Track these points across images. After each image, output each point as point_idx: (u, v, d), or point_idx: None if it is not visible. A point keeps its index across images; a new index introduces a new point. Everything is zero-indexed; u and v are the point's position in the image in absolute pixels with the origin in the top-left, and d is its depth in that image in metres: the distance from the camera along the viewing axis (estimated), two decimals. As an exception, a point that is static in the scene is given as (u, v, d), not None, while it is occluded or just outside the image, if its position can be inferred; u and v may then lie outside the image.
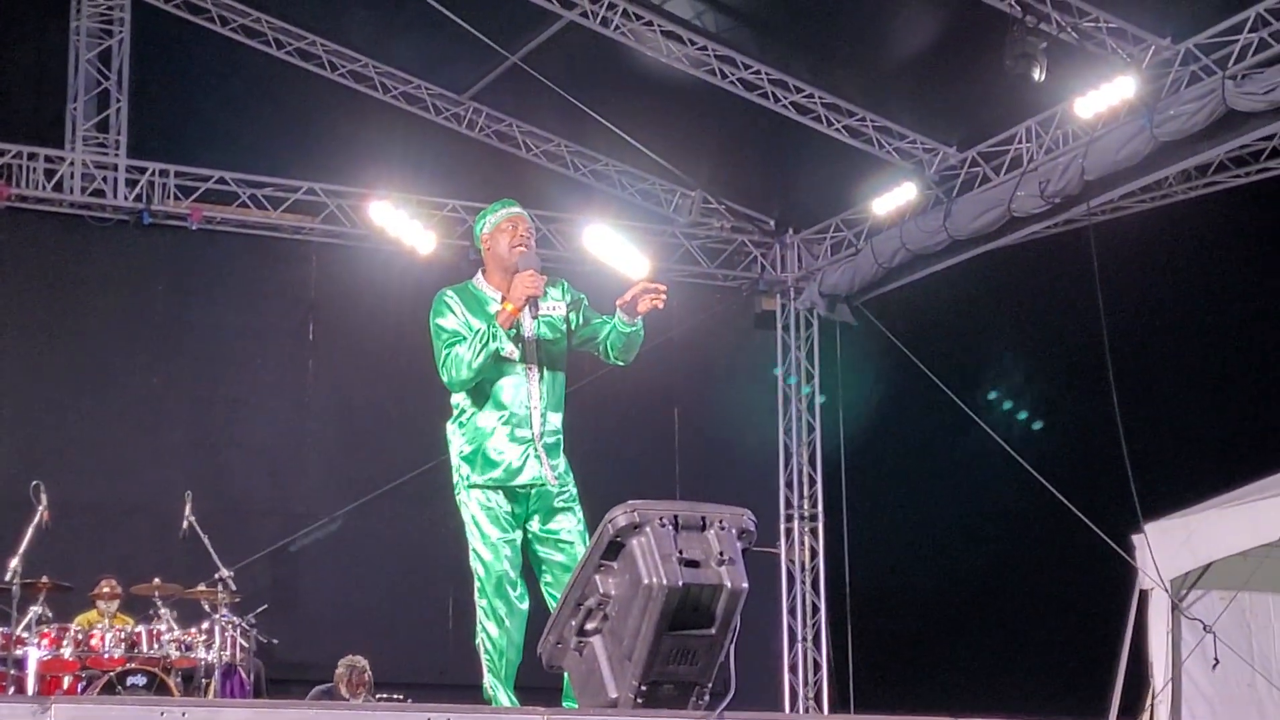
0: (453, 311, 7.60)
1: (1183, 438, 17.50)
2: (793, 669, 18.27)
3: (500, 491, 7.46)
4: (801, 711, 17.86)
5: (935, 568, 19.14)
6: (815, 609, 18.47)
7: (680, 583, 6.55)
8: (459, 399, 7.63)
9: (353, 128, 17.79)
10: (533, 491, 7.49)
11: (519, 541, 7.49)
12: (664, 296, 7.83)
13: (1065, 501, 16.05)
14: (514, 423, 7.50)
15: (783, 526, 18.63)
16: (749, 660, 6.91)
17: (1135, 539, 15.02)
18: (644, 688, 6.57)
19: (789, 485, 18.81)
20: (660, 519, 6.64)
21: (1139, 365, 16.71)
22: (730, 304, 19.09)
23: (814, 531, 18.67)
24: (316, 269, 17.66)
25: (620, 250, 17.87)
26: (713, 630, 6.68)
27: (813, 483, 18.79)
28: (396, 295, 17.37)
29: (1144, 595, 15.06)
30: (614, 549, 6.69)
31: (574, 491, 7.62)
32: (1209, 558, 14.68)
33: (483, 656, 7.39)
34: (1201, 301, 17.85)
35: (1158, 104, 14.83)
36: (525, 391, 7.55)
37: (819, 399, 19.07)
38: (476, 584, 7.42)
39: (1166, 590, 14.73)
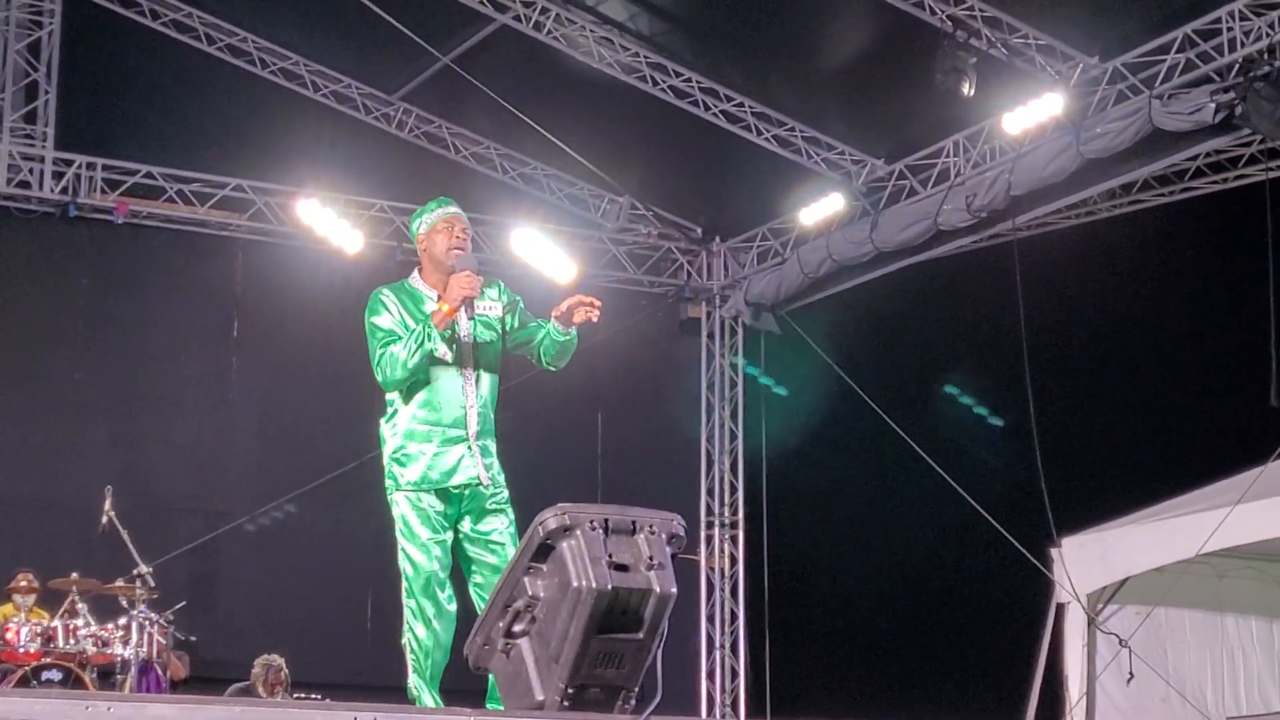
0: (388, 310, 7.58)
1: (1101, 453, 17.66)
2: (710, 676, 18.29)
3: (433, 492, 7.43)
4: (719, 718, 17.90)
5: (855, 578, 19.24)
6: (734, 616, 18.51)
7: (609, 586, 6.57)
8: (393, 397, 7.58)
9: (282, 125, 17.71)
10: (466, 492, 7.48)
11: (449, 542, 7.47)
12: (598, 311, 7.85)
13: (984, 513, 16.15)
14: (448, 423, 7.46)
15: (703, 534, 18.65)
16: (667, 666, 6.92)
17: (1053, 553, 15.14)
18: (571, 690, 6.59)
19: (710, 492, 18.84)
20: (591, 522, 6.66)
21: (1059, 381, 16.87)
22: (656, 310, 19.12)
23: (734, 539, 18.71)
24: (242, 266, 17.58)
25: (548, 254, 17.88)
26: (640, 635, 6.70)
27: (734, 490, 18.82)
28: (323, 294, 17.33)
29: (1060, 609, 15.18)
30: (544, 551, 6.70)
31: (506, 493, 7.61)
32: (1125, 572, 14.82)
33: (409, 657, 7.38)
34: (1122, 319, 18.02)
35: (1084, 121, 14.96)
36: (461, 391, 7.51)
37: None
38: (405, 584, 7.39)
39: (1082, 604, 14.86)
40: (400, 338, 7.45)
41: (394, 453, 7.49)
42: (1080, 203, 16.86)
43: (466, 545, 7.49)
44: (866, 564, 19.29)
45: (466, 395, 7.53)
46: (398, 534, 7.44)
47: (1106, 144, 14.78)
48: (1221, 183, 16.87)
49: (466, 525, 7.50)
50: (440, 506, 7.44)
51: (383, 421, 7.61)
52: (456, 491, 7.45)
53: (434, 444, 7.44)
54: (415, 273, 7.74)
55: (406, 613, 7.37)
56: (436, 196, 7.87)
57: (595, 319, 7.89)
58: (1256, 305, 14.41)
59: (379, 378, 7.49)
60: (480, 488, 7.47)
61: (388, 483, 7.50)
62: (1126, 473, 17.09)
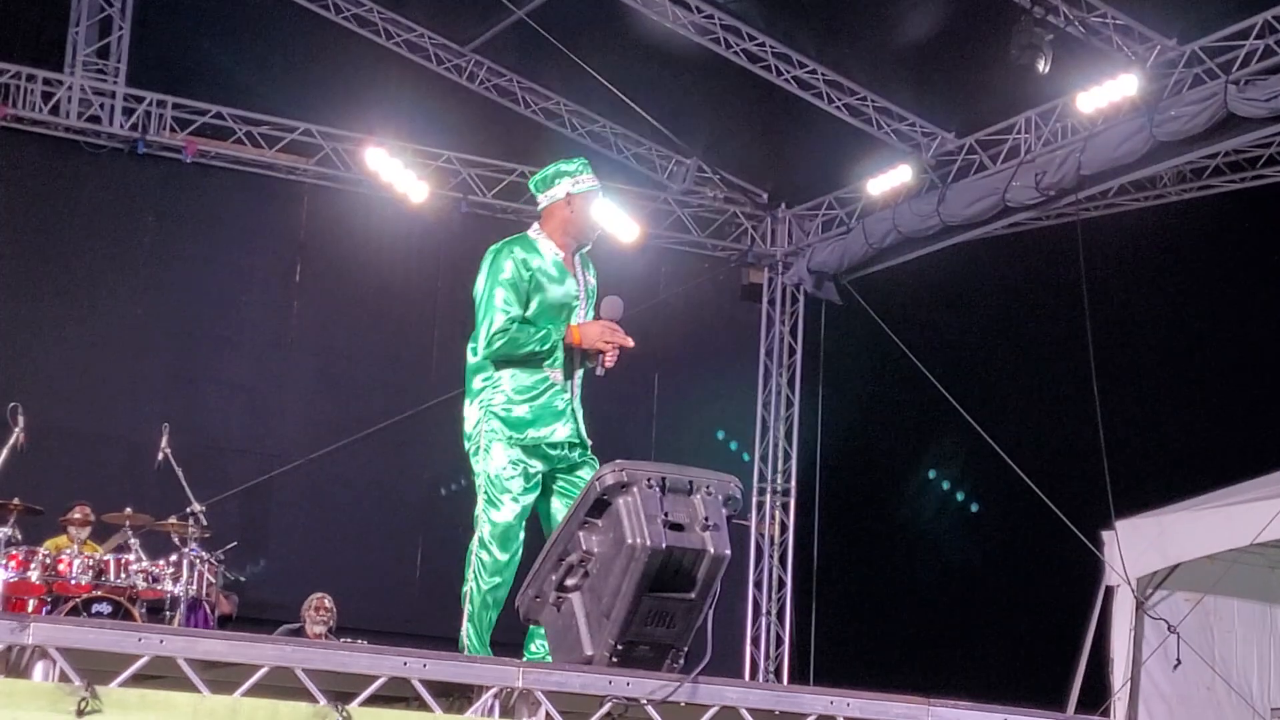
0: (514, 283, 7.46)
1: (1160, 437, 17.55)
2: (755, 642, 18.31)
3: (536, 449, 7.44)
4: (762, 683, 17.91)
5: (905, 551, 19.21)
6: (781, 583, 18.51)
7: (664, 545, 6.57)
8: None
9: (353, 72, 17.73)
10: (563, 451, 7.50)
11: (533, 500, 7.46)
12: (616, 356, 7.65)
13: (1039, 492, 16.09)
14: (555, 385, 7.51)
15: (755, 500, 18.64)
16: (715, 629, 6.92)
17: (1105, 535, 15.09)
18: (620, 647, 6.60)
19: (764, 459, 18.82)
20: (648, 480, 6.67)
21: (1121, 362, 16.76)
22: (717, 274, 19.08)
23: (785, 507, 18.70)
24: (307, 211, 17.61)
25: (613, 214, 17.85)
26: (692, 595, 6.71)
27: (788, 458, 18.80)
28: (386, 242, 17.40)
29: (1110, 591, 15.13)
30: (600, 507, 6.71)
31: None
32: (1178, 558, 14.75)
33: (466, 606, 7.37)
34: (1188, 304, 17.90)
35: (1159, 104, 14.85)
36: (567, 356, 7.53)
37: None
38: (481, 535, 7.42)
39: (1132, 588, 14.80)
40: (520, 319, 7.39)
41: (495, 406, 7.48)
42: (1148, 185, 16.74)
43: (554, 497, 7.48)
44: (917, 538, 19.25)
45: (572, 360, 7.57)
46: (487, 484, 7.45)
47: (1180, 127, 14.67)
48: (1294, 173, 16.73)
49: (556, 480, 7.51)
50: (538, 464, 7.45)
51: (479, 375, 7.61)
52: (555, 451, 7.47)
53: (540, 402, 7.47)
54: (536, 226, 7.63)
55: (476, 564, 7.40)
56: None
57: (608, 364, 7.67)
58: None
59: (483, 344, 7.48)
60: (576, 447, 7.53)
61: (482, 432, 7.49)
62: (1184, 458, 16.99)
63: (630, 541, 6.56)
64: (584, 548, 6.72)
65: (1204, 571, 14.85)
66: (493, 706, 6.16)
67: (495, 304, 7.44)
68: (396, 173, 17.34)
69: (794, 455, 18.78)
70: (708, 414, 18.70)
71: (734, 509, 6.91)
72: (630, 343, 7.58)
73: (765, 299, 19.21)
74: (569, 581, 6.75)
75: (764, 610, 18.35)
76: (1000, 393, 18.73)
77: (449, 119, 17.94)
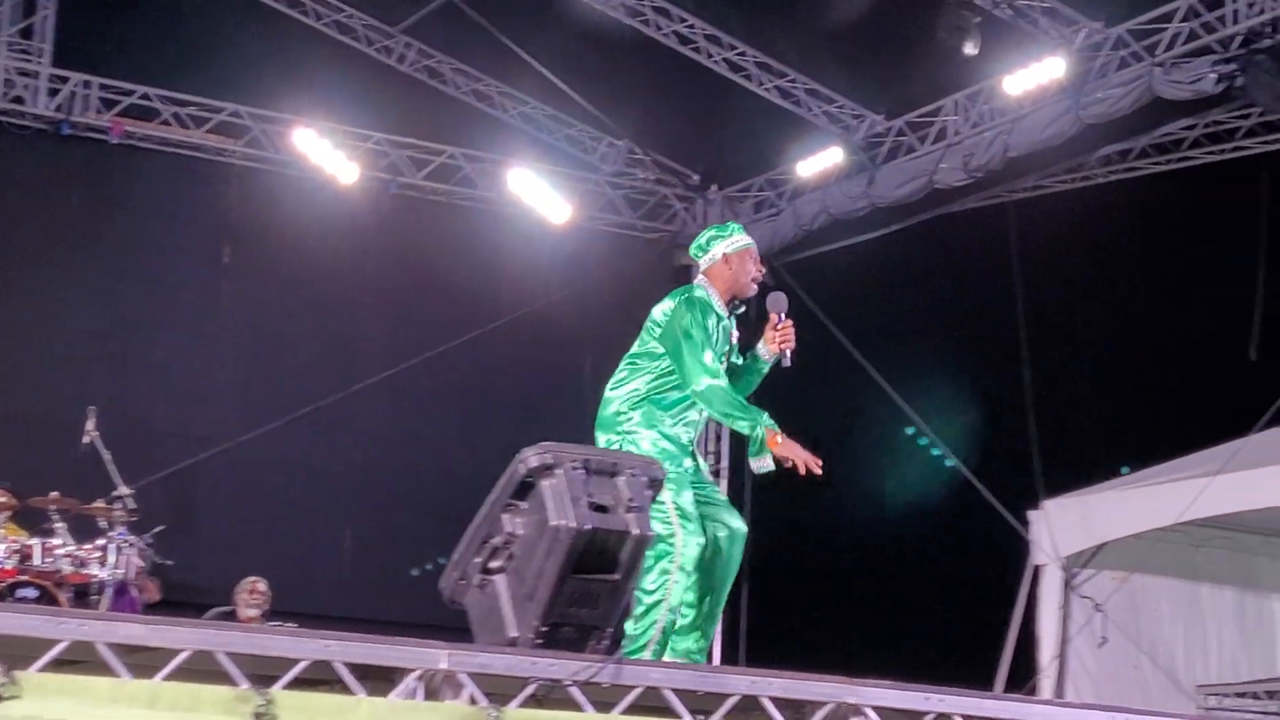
0: (706, 316, 7.92)
1: (1088, 417, 17.66)
2: (685, 623, 18.30)
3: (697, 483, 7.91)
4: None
5: (836, 532, 19.25)
6: (712, 565, 18.50)
7: (588, 526, 6.59)
8: (657, 384, 8.05)
9: (282, 53, 17.59)
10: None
11: None
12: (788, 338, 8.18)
13: (967, 473, 16.19)
14: (697, 426, 8.11)
15: (686, 481, 18.62)
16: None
17: (1033, 515, 15.20)
18: (544, 628, 6.61)
19: (694, 441, 18.81)
20: (572, 462, 6.69)
21: (1050, 344, 16.86)
22: (649, 256, 19.07)
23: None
24: (236, 192, 17.50)
25: (543, 195, 17.85)
26: (617, 576, 6.73)
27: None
28: (316, 224, 17.31)
29: (1038, 571, 15.25)
30: (524, 489, 6.73)
31: None
32: (1104, 537, 14.89)
33: (663, 615, 7.52)
34: (1116, 285, 18.01)
35: (1085, 86, 14.93)
36: None
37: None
38: (677, 550, 7.54)
39: (1060, 567, 14.92)
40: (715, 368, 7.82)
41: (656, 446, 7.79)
42: (1076, 167, 16.85)
43: None
44: (848, 519, 19.29)
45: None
46: (673, 510, 7.58)
47: (1106, 109, 14.76)
48: (1219, 153, 16.86)
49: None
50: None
51: (636, 407, 8.03)
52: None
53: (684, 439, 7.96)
54: (704, 279, 8.11)
55: (676, 573, 7.53)
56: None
57: (778, 345, 8.19)
58: (1246, 275, 14.42)
59: (692, 382, 7.86)
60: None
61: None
62: (1112, 438, 17.11)
63: (554, 523, 6.58)
64: (508, 530, 6.73)
65: (1130, 550, 14.99)
66: (416, 689, 6.16)
67: (694, 344, 7.89)
68: (326, 154, 17.28)
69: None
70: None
71: (658, 490, 6.94)
72: (792, 339, 8.13)
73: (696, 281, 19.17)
74: (493, 564, 6.76)
75: (694, 592, 18.35)
76: (931, 375, 18.80)
77: (379, 100, 17.87)
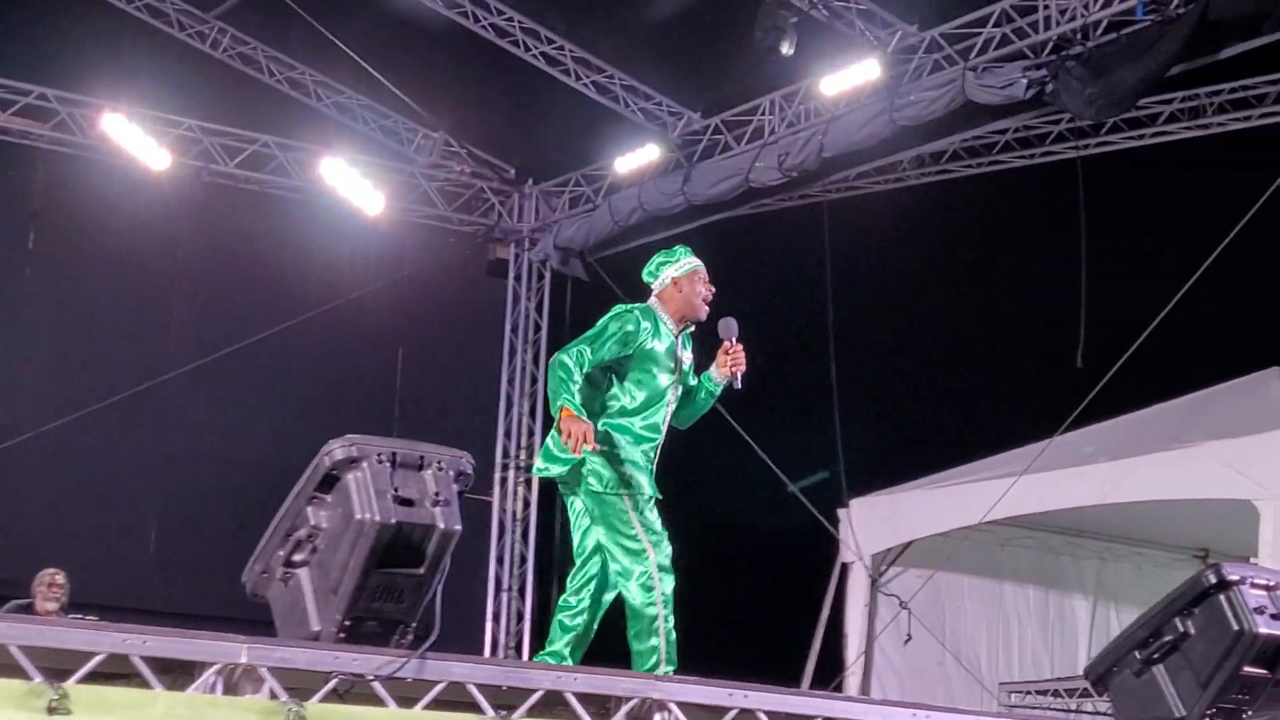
0: (622, 336, 8.11)
1: (895, 417, 17.86)
2: (495, 617, 18.29)
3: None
4: (502, 659, 17.90)
5: (644, 526, 19.27)
6: (523, 559, 18.52)
7: (393, 520, 6.54)
8: (610, 401, 8.17)
9: (91, 36, 17.26)
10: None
11: None
12: (738, 361, 8.40)
13: (777, 471, 16.29)
14: (653, 443, 8.27)
15: (498, 475, 18.62)
16: (452, 606, 6.92)
17: (841, 513, 15.35)
18: (348, 623, 6.56)
19: (507, 435, 18.80)
20: (378, 455, 6.63)
21: (860, 344, 17.02)
22: (464, 249, 18.99)
23: (529, 483, 18.69)
24: (42, 177, 17.16)
25: (356, 185, 17.70)
26: (421, 570, 6.68)
27: (531, 434, 18.80)
28: (126, 210, 17.03)
29: (845, 569, 15.42)
30: (329, 482, 6.66)
31: None
32: (910, 536, 15.09)
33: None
34: (924, 286, 18.23)
35: (900, 88, 15.08)
36: (664, 415, 8.26)
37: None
38: (658, 565, 8.05)
39: (865, 565, 15.08)
40: (604, 356, 8.03)
41: (607, 463, 8.03)
42: (890, 169, 17.04)
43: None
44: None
45: (666, 421, 8.30)
46: (618, 530, 8.05)
47: (919, 112, 14.90)
48: (1029, 158, 17.15)
49: None
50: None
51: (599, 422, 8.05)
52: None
53: (642, 461, 8.20)
54: (656, 302, 8.35)
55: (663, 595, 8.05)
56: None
57: (729, 369, 8.40)
58: (1056, 279, 14.64)
59: (558, 355, 8.00)
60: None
61: (617, 480, 8.03)
62: (918, 438, 17.31)
63: (359, 516, 6.52)
64: (312, 523, 6.66)
65: (936, 549, 15.20)
66: (215, 683, 6.08)
67: (593, 336, 8.10)
68: (136, 140, 16.98)
69: (538, 432, 18.79)
70: (451, 390, 18.63)
71: (465, 485, 6.91)
72: (743, 363, 8.38)
73: (511, 275, 19.17)
74: (296, 557, 6.69)
75: (505, 586, 18.34)
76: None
77: (191, 86, 17.59)
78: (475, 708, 6.40)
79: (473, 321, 19.12)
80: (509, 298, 19.14)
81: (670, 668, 7.82)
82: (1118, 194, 17.23)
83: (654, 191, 17.27)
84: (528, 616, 18.30)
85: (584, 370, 7.92)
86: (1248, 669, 8.30)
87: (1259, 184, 13.51)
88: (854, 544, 15.12)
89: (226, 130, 17.51)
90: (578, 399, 7.81)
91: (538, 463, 8.18)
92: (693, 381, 8.37)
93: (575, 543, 8.25)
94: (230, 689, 6.11)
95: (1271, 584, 8.49)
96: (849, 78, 15.30)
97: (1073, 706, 13.95)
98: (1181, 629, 8.34)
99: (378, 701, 6.29)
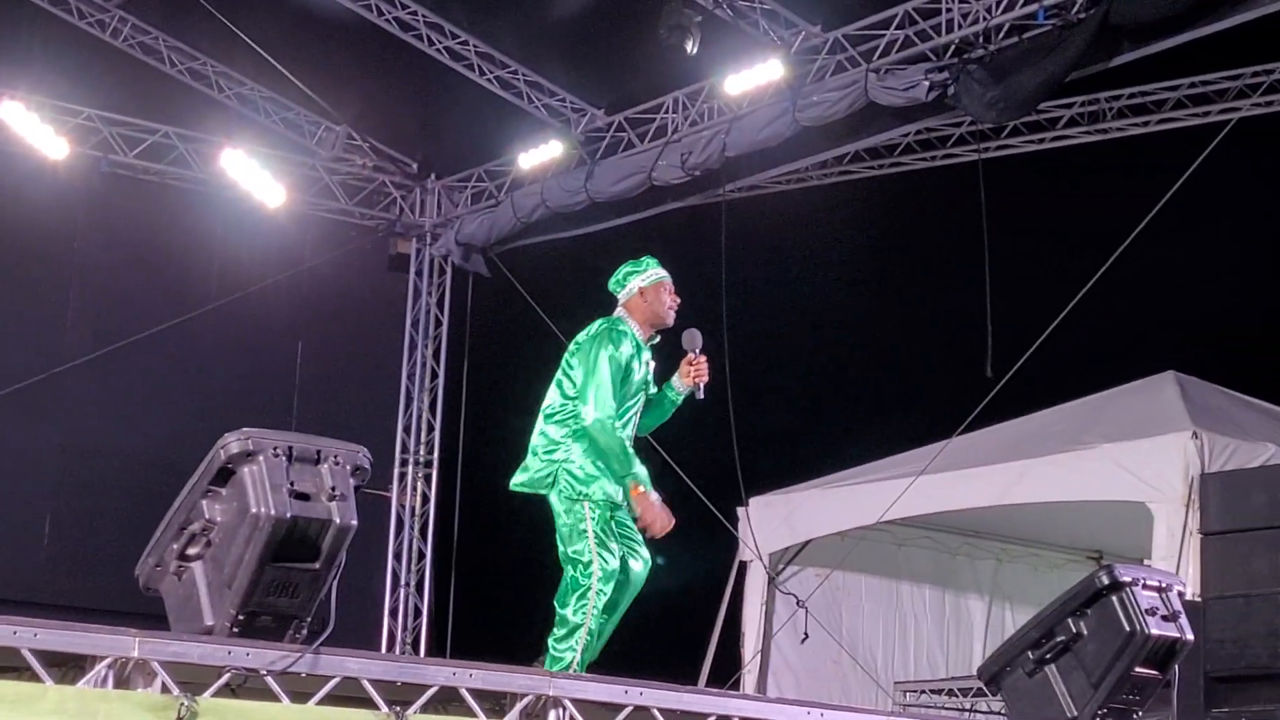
0: (624, 352, 8.37)
1: (793, 418, 17.92)
2: (393, 613, 18.22)
3: (619, 509, 8.41)
4: (398, 654, 17.83)
5: (544, 524, 19.26)
6: (421, 555, 18.45)
7: (288, 514, 6.50)
8: (578, 420, 8.39)
9: (-11, 23, 17.10)
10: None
11: None
12: (701, 372, 8.61)
13: (677, 469, 16.30)
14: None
15: (397, 471, 18.55)
16: (349, 601, 6.89)
17: (739, 512, 15.39)
18: (241, 617, 6.52)
19: (407, 430, 18.73)
20: (274, 449, 6.59)
21: (757, 343, 17.06)
22: (365, 243, 18.90)
23: (428, 478, 18.63)
24: (-64, 167, 16.96)
25: (257, 177, 17.58)
26: (317, 565, 6.65)
27: (431, 429, 18.74)
28: (22, 199, 16.82)
29: (743, 567, 15.46)
30: (224, 475, 6.61)
31: None
32: (808, 535, 15.15)
33: (582, 636, 8.25)
34: (823, 287, 18.31)
35: (803, 89, 15.13)
36: (633, 424, 8.52)
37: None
38: (591, 575, 8.32)
39: (763, 563, 15.13)
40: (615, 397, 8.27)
41: (585, 472, 8.38)
42: (792, 170, 17.08)
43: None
44: (550, 512, 19.33)
45: (634, 430, 8.55)
46: (586, 539, 8.39)
47: (822, 113, 14.96)
48: (930, 160, 17.26)
49: None
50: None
51: (567, 436, 8.44)
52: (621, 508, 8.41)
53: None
54: (622, 311, 8.62)
55: (594, 597, 8.28)
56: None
57: (692, 379, 8.62)
58: (956, 281, 14.74)
59: (590, 413, 8.30)
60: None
61: (573, 489, 8.39)
62: (816, 437, 17.38)
63: (254, 510, 6.48)
64: (207, 516, 6.62)
65: (833, 548, 15.28)
66: (106, 677, 6.03)
67: (602, 377, 8.32)
68: (33, 129, 16.77)
69: (438, 427, 18.74)
70: (351, 384, 18.54)
71: (362, 479, 6.88)
72: (705, 374, 8.59)
73: (413, 270, 19.09)
74: (191, 550, 6.64)
75: (403, 582, 18.27)
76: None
77: (91, 75, 17.39)
78: (369, 703, 6.38)
79: (373, 316, 19.03)
80: (410, 293, 19.07)
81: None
82: (1019, 197, 17.38)
83: (556, 188, 17.26)
84: (425, 613, 18.24)
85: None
86: (1139, 670, 8.39)
87: (1157, 189, 13.65)
88: (752, 543, 15.15)
89: (126, 120, 17.34)
90: (642, 470, 8.31)
91: (518, 477, 8.63)
92: (653, 390, 8.58)
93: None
94: (122, 683, 6.06)
95: (1163, 585, 8.58)
96: (752, 77, 15.34)
97: (967, 706, 14.04)
98: (1074, 630, 8.42)
99: (271, 696, 6.26)
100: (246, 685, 6.32)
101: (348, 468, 6.77)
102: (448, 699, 6.62)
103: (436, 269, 19.09)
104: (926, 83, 14.22)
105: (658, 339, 8.62)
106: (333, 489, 6.66)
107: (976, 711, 13.93)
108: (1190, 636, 8.68)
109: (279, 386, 18.12)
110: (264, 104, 18.01)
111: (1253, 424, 13.54)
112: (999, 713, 11.96)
